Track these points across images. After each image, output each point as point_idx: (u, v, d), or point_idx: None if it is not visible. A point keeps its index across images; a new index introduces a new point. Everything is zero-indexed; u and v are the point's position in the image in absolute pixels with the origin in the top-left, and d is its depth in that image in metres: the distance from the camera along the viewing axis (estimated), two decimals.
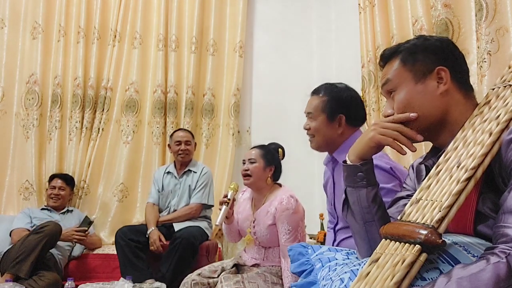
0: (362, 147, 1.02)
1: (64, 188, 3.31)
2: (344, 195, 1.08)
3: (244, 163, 2.23)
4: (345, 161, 1.07)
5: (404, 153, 1.01)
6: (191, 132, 3.42)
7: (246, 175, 2.20)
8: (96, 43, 3.72)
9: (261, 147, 2.28)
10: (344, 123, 1.61)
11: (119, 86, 3.76)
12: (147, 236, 2.99)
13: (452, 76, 0.98)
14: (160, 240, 2.93)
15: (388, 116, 1.04)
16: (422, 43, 1.03)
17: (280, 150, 2.34)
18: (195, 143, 3.42)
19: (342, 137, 1.62)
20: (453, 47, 1.03)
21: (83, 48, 3.69)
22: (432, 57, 1.00)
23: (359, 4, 3.08)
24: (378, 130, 0.99)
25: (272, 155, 2.25)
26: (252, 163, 2.19)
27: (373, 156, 1.04)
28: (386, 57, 1.07)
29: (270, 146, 2.33)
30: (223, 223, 2.24)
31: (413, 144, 0.99)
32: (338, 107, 1.61)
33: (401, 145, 0.98)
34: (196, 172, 3.27)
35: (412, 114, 0.98)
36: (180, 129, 3.47)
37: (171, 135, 3.39)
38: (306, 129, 1.66)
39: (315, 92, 1.68)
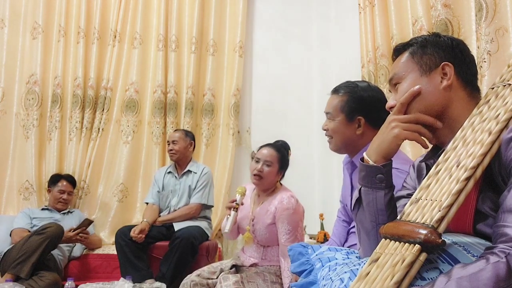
0: (387, 146, 0.98)
1: (72, 192, 3.35)
2: (357, 194, 1.04)
3: (257, 162, 2.14)
4: (362, 159, 1.03)
5: (427, 147, 0.99)
6: (185, 131, 3.37)
7: (258, 176, 2.12)
8: (96, 43, 3.72)
9: (278, 149, 2.19)
10: (364, 124, 1.51)
11: (119, 86, 3.76)
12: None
13: (457, 73, 0.99)
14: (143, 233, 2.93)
15: (391, 107, 1.03)
16: (434, 38, 1.03)
17: (289, 151, 2.28)
18: (190, 142, 3.33)
19: (362, 139, 1.52)
20: (464, 48, 1.03)
21: (83, 48, 3.70)
22: (441, 53, 1.00)
23: (359, 4, 3.08)
24: (402, 126, 0.97)
25: (286, 160, 2.20)
26: (268, 166, 2.12)
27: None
28: (398, 50, 1.08)
29: (278, 144, 2.24)
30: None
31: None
32: (357, 107, 1.51)
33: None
34: (196, 173, 3.26)
35: (434, 124, 0.96)
36: (175, 130, 3.46)
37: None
38: (324, 130, 1.56)
39: (335, 91, 1.57)
